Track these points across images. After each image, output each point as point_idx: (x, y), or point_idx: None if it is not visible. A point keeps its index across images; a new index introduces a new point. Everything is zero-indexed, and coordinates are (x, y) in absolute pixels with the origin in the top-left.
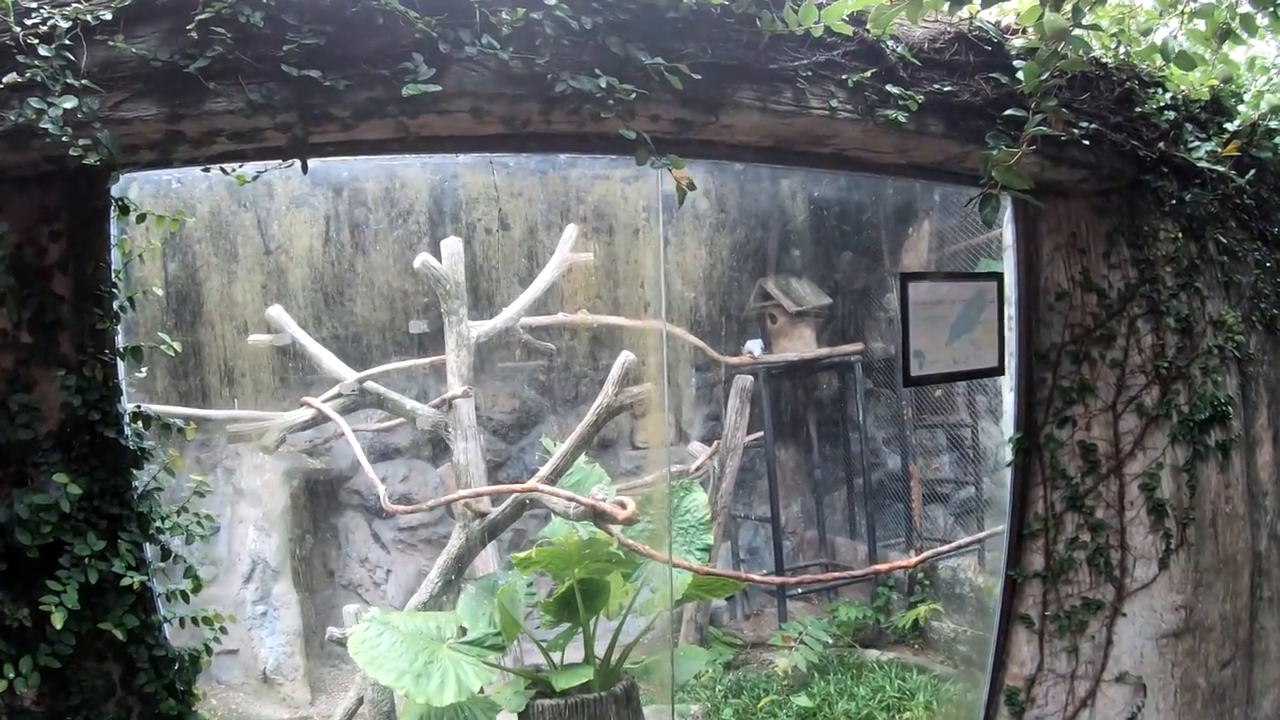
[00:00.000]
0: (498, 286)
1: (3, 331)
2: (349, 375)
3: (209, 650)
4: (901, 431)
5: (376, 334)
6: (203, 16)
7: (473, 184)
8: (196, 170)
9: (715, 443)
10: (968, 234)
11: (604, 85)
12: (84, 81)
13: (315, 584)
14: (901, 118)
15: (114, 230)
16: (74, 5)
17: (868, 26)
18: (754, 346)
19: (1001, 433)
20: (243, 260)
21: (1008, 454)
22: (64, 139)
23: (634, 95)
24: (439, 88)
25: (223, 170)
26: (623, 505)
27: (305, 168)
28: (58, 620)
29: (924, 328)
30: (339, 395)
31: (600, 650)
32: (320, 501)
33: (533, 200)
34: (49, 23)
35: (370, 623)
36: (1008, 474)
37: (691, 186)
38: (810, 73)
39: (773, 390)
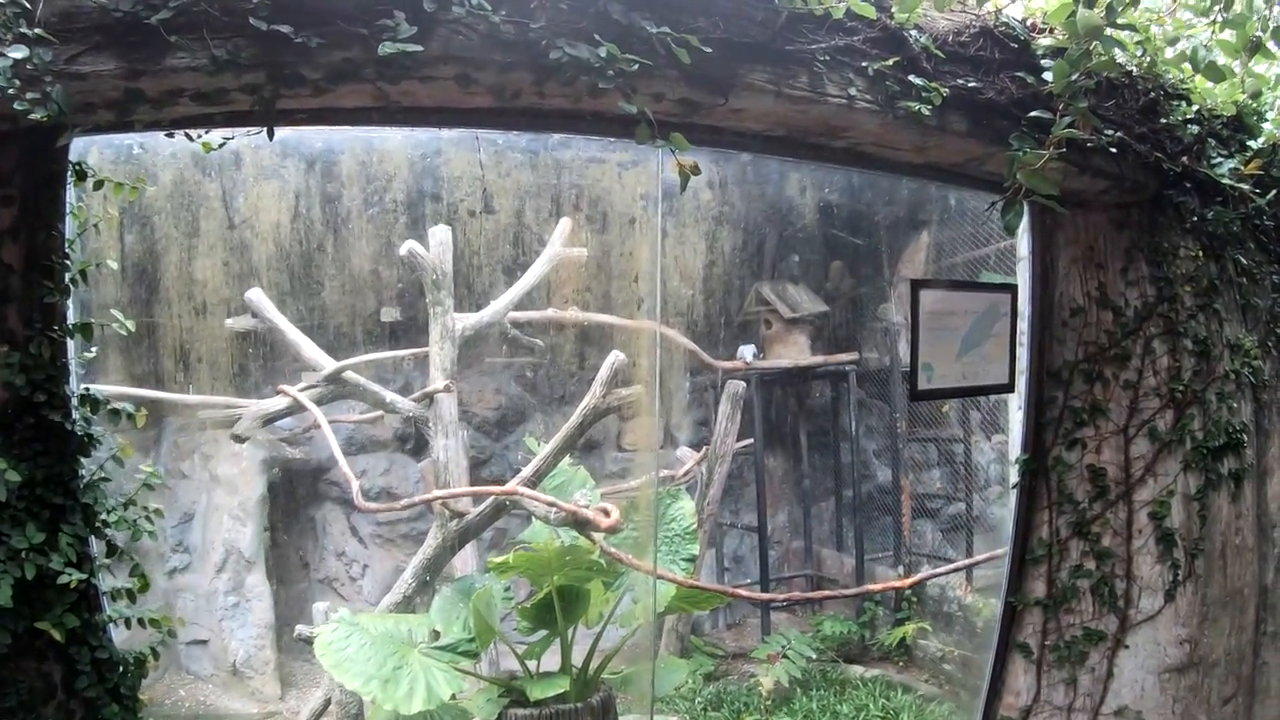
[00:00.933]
0: (479, 274)
1: None
2: (329, 363)
3: (155, 654)
4: (894, 444)
5: (345, 319)
6: None
7: (457, 162)
8: (160, 135)
9: (704, 448)
10: (967, 246)
11: (603, 55)
12: (38, 31)
13: (289, 576)
14: (925, 111)
15: (70, 197)
16: None
17: (892, 11)
18: (747, 352)
19: (993, 449)
20: (205, 235)
21: (1012, 474)
22: (10, 92)
23: (636, 67)
24: (419, 48)
25: (187, 136)
26: (606, 513)
27: (271, 134)
28: None
29: (934, 339)
30: (313, 386)
31: (578, 658)
32: (298, 492)
33: (521, 183)
34: None
35: (339, 624)
36: (997, 491)
37: (696, 170)
38: (828, 57)
39: (764, 397)
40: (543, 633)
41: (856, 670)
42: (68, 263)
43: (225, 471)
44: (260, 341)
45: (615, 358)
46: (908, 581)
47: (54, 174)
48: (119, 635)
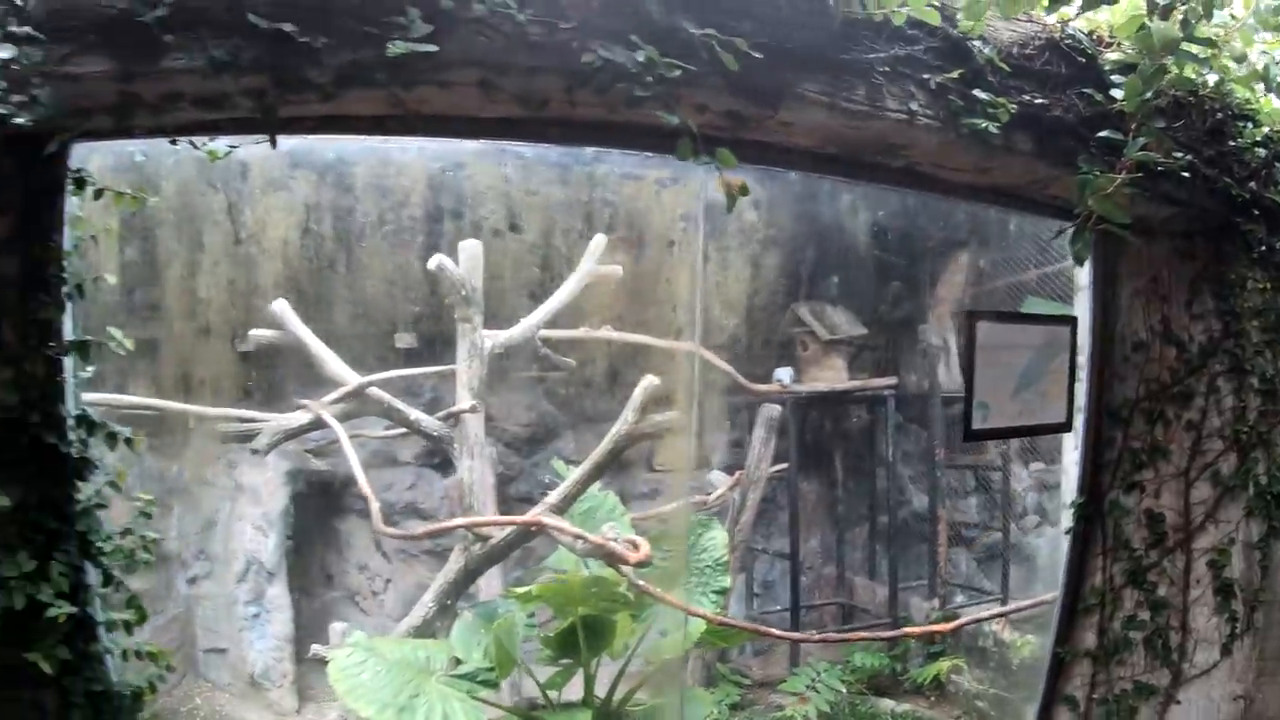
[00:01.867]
0: (504, 297)
1: None
2: (353, 379)
3: (154, 688)
4: (931, 470)
5: (358, 343)
6: None
7: (480, 176)
8: (163, 143)
9: (737, 473)
10: (1008, 270)
11: (642, 59)
12: (27, 30)
13: (311, 588)
14: (992, 129)
15: (69, 207)
16: None
17: (956, 20)
18: (783, 375)
19: (1030, 476)
20: (209, 249)
21: (1065, 518)
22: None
23: (678, 73)
24: (434, 48)
25: (191, 144)
26: (635, 545)
27: (274, 142)
28: None
29: (990, 375)
30: (337, 401)
31: (601, 689)
32: (322, 504)
33: (551, 199)
34: None
35: (354, 648)
36: (1034, 520)
37: (744, 191)
38: (888, 68)
39: (800, 421)
40: (566, 662)
41: (887, 704)
42: (64, 276)
43: (250, 480)
44: (281, 355)
45: (648, 382)
46: (950, 626)
47: (52, 182)
48: (121, 662)
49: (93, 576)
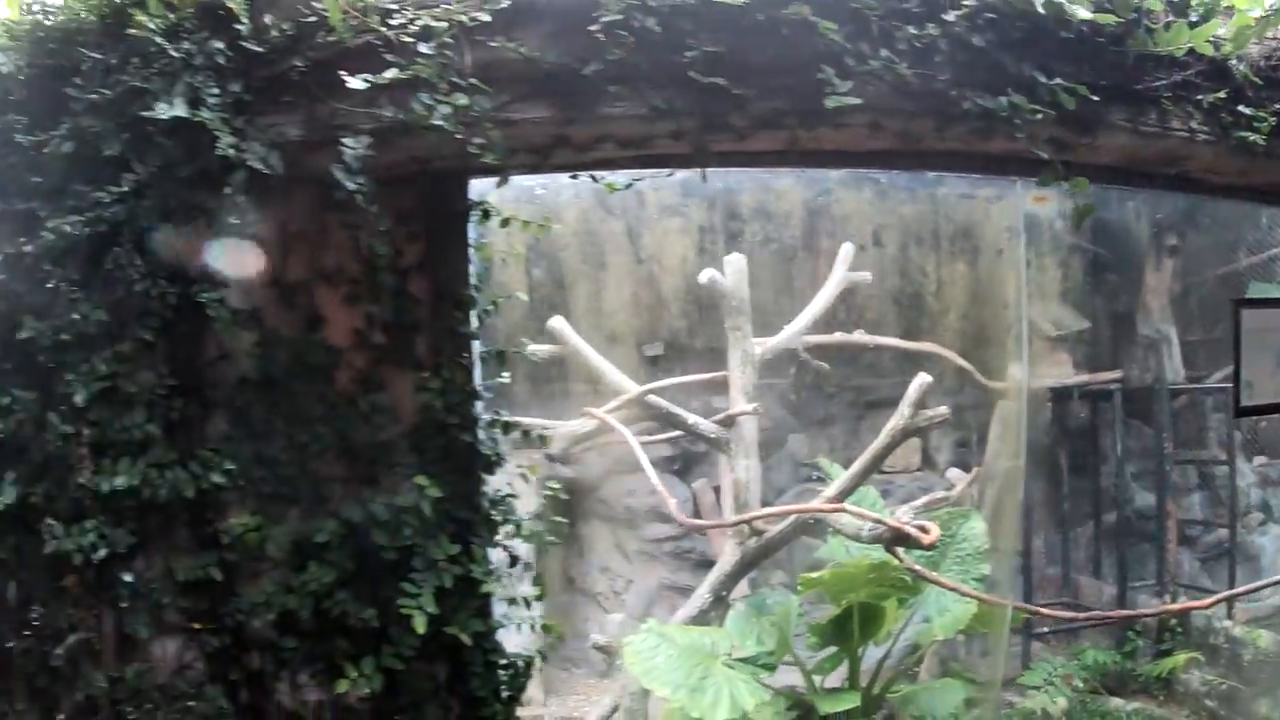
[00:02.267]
0: (870, 304)
1: (356, 331)
2: (631, 388)
3: (544, 658)
4: (1159, 465)
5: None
6: (608, 19)
7: (845, 200)
8: (561, 176)
9: (974, 469)
10: (1219, 258)
11: (1008, 104)
12: (472, 81)
13: (554, 588)
14: (1260, 141)
15: (472, 234)
16: (443, 7)
17: (1222, 45)
18: (1018, 372)
19: (1254, 472)
20: (611, 268)
21: None
22: (457, 136)
23: (1040, 116)
24: (859, 100)
25: (592, 178)
26: (925, 529)
27: (704, 176)
28: (419, 625)
29: (1254, 356)
30: (617, 408)
31: (861, 678)
32: (564, 509)
33: (904, 217)
34: (417, 23)
35: (648, 634)
36: (1258, 518)
37: (1091, 210)
38: (1170, 93)
39: (1028, 417)
40: (831, 650)
41: (1117, 703)
42: (475, 295)
43: (501, 485)
44: (561, 366)
45: (922, 379)
46: (1209, 602)
47: (457, 213)
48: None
49: (495, 558)
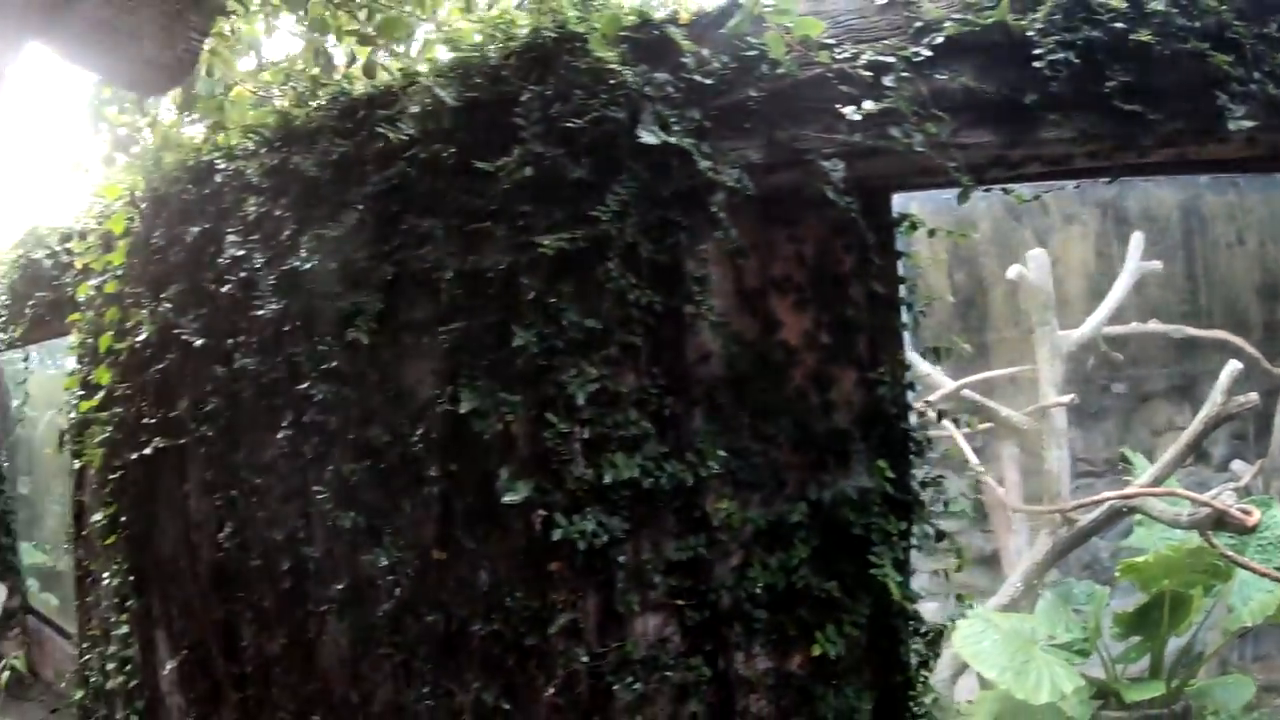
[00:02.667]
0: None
1: (805, 333)
2: (946, 383)
3: (954, 626)
4: None
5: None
6: (1054, 57)
7: (1214, 203)
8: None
9: (1259, 461)
10: None
11: None
12: (934, 111)
13: None
14: None
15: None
16: (882, 43)
17: None
18: None
19: None
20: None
21: None
22: (932, 155)
23: None
24: (1255, 123)
25: (1003, 190)
26: (1247, 512)
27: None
28: (894, 591)
29: None
30: (933, 402)
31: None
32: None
33: (1262, 216)
34: (863, 57)
35: (974, 619)
36: None
37: None
38: None
39: None
40: (1137, 638)
41: None
42: (908, 298)
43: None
44: None
45: (1232, 366)
46: None
47: (885, 225)
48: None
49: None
